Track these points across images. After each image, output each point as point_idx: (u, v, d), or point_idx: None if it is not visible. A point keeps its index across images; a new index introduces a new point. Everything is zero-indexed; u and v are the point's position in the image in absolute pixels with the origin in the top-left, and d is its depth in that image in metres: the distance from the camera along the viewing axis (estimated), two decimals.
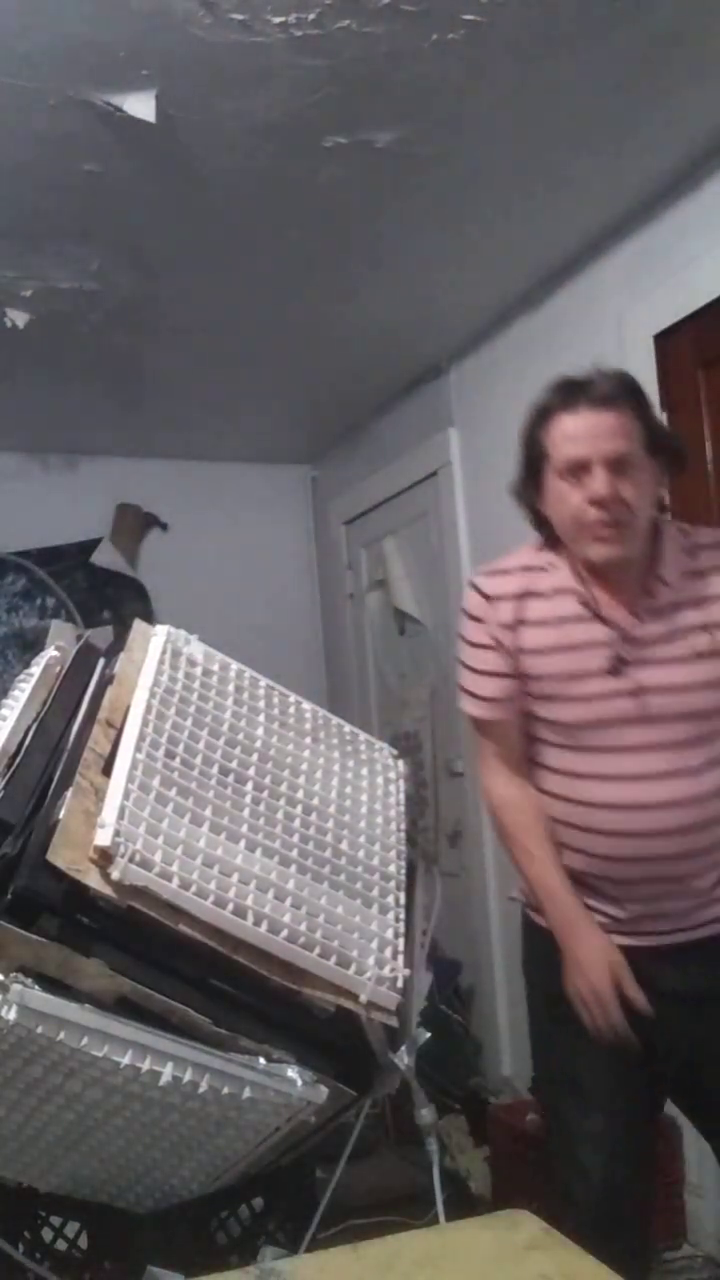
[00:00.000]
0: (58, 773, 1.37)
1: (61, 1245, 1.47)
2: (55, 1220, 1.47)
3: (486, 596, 1.62)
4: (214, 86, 1.88)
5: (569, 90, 1.97)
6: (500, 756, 1.66)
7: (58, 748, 1.43)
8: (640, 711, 1.53)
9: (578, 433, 1.51)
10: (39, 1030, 1.18)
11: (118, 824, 1.27)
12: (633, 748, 1.54)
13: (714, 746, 1.56)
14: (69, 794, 1.31)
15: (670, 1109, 1.71)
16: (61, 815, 1.27)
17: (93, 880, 1.23)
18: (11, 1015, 1.16)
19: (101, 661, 1.65)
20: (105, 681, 1.57)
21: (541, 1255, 0.56)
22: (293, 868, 1.42)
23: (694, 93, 2.02)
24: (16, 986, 1.17)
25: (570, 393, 1.54)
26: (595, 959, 1.54)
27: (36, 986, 1.19)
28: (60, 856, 1.22)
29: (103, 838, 1.25)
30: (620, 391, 1.54)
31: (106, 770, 1.37)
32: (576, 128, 2.09)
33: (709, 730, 1.55)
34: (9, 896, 1.20)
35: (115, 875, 1.24)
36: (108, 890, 1.24)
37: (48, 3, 1.66)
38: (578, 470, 1.51)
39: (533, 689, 1.59)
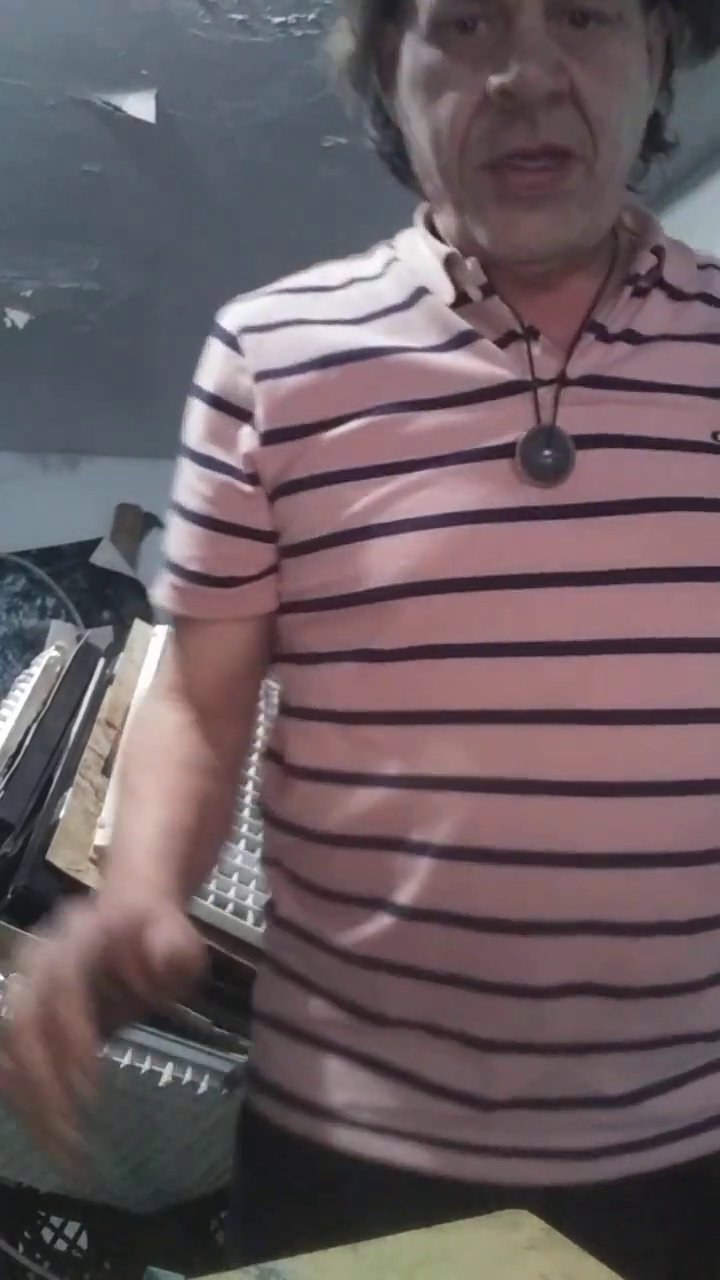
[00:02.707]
0: (58, 773, 1.37)
1: (61, 1245, 1.47)
2: (55, 1220, 1.47)
3: (226, 337, 0.80)
4: (214, 86, 1.88)
5: None
6: (181, 690, 0.83)
7: (58, 748, 1.43)
8: (588, 554, 0.67)
9: None
10: None
11: None
12: (569, 645, 0.66)
13: None
14: (69, 794, 1.31)
15: None
16: (61, 815, 1.28)
17: (93, 880, 1.23)
18: (12, 1015, 1.16)
19: (101, 661, 1.65)
20: (105, 681, 1.57)
21: (541, 1255, 0.56)
22: None
23: (694, 93, 2.02)
24: (17, 987, 1.17)
25: None
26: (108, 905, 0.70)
27: None
28: (60, 856, 1.22)
29: (103, 838, 1.25)
30: None
31: (106, 770, 1.37)
32: None
33: None
34: (9, 896, 1.20)
35: None
36: None
37: (48, 3, 1.66)
38: (465, 24, 0.66)
39: (307, 527, 0.74)
